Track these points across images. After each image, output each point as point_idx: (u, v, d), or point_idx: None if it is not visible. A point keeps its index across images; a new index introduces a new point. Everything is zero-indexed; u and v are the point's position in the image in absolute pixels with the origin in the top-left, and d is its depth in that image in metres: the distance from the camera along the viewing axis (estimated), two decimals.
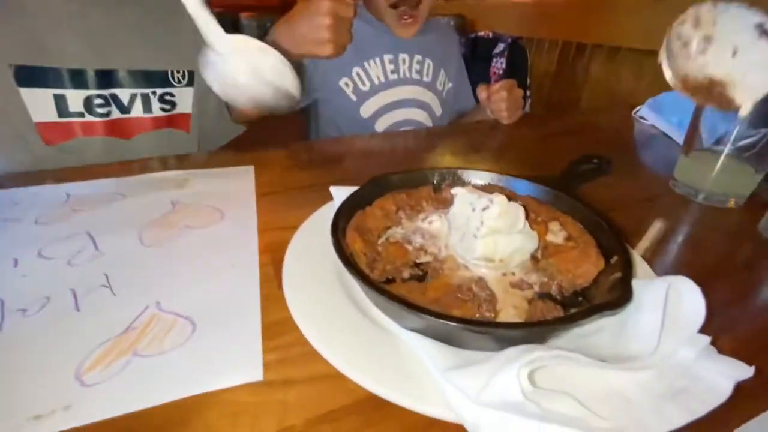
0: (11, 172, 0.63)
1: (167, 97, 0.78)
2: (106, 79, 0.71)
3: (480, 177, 0.51)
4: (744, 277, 0.50)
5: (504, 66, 1.51)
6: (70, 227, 0.49)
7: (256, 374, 0.33)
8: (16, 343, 0.35)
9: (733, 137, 0.60)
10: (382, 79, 1.05)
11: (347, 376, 0.31)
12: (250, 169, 0.65)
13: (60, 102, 0.68)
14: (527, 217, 0.41)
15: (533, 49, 1.76)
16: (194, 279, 0.42)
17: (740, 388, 0.27)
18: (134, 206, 0.54)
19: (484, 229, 0.36)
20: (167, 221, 0.51)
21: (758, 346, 0.38)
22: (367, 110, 1.05)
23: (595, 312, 0.30)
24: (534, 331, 0.30)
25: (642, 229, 0.56)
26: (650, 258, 0.48)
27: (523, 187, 0.49)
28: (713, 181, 0.63)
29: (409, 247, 0.42)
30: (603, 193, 0.58)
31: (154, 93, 0.77)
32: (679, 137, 0.88)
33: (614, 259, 0.37)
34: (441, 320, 0.29)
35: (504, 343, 0.29)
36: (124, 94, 0.74)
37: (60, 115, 0.68)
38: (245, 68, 0.36)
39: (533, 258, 0.41)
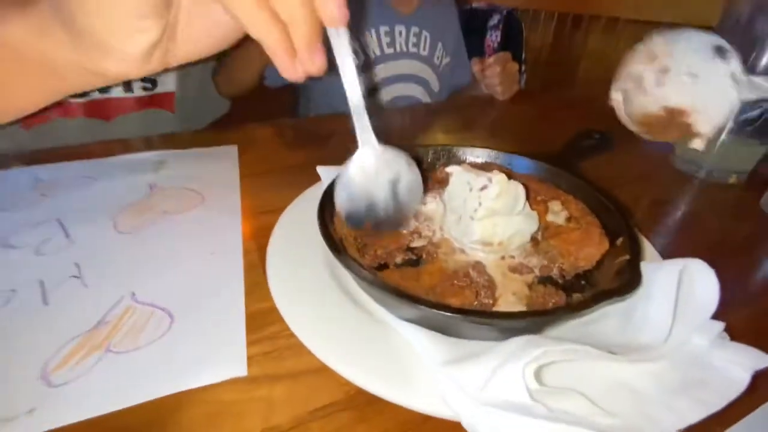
0: None
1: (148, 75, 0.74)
2: None
3: (476, 155, 0.49)
4: (747, 254, 0.48)
5: (499, 39, 1.45)
6: (39, 214, 0.46)
7: (240, 369, 0.31)
8: None
9: (736, 111, 0.58)
10: (377, 53, 1.00)
11: (336, 371, 0.29)
12: (233, 149, 0.61)
13: None
14: (527, 196, 0.38)
15: (529, 22, 1.70)
16: (172, 268, 0.40)
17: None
18: (108, 190, 0.50)
19: (482, 210, 0.34)
20: (143, 206, 0.48)
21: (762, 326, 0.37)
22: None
23: (602, 299, 0.27)
24: (537, 321, 0.28)
25: (642, 206, 0.54)
26: (651, 237, 0.46)
27: (521, 164, 0.47)
28: (715, 156, 0.61)
29: (402, 231, 0.39)
30: (602, 169, 0.56)
31: None
32: None
33: (620, 241, 0.34)
34: (437, 311, 0.26)
35: (505, 333, 0.27)
36: None
37: None
38: (383, 183, 0.33)
39: (533, 239, 0.39)
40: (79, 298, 0.36)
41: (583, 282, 0.36)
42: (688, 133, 0.27)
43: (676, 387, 0.25)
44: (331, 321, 0.32)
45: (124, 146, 0.60)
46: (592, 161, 0.55)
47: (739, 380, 0.25)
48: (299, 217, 0.42)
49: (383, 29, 0.99)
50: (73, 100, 0.68)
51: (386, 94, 1.03)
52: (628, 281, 0.28)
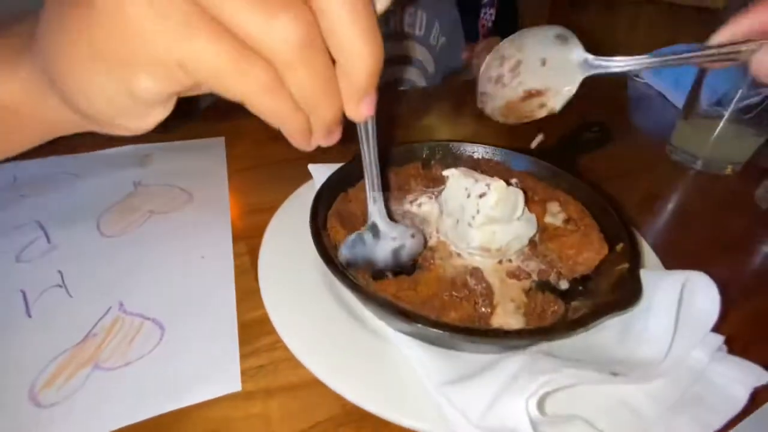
0: None
1: None
2: None
3: (473, 150, 0.47)
4: (740, 248, 0.48)
5: (493, 18, 1.41)
6: (18, 216, 0.44)
7: (234, 385, 0.30)
8: None
9: (737, 97, 0.57)
10: None
11: (331, 387, 0.28)
12: (220, 141, 0.59)
13: None
14: (525, 197, 0.37)
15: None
16: (161, 274, 0.38)
17: None
18: (91, 188, 0.48)
19: (480, 218, 0.33)
20: (129, 205, 0.46)
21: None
22: None
23: (601, 314, 0.27)
24: (536, 338, 0.27)
25: (637, 199, 0.54)
26: (646, 230, 0.46)
27: (519, 162, 0.45)
28: (712, 146, 0.61)
29: None
30: (598, 160, 0.55)
31: None
32: (675, 98, 0.84)
33: (620, 247, 0.34)
34: (437, 330, 0.26)
35: (504, 348, 0.27)
36: None
37: None
38: (386, 250, 0.34)
39: (531, 242, 0.38)
40: (64, 309, 0.35)
41: (581, 287, 0.35)
42: (543, 107, 0.32)
43: (676, 405, 0.25)
44: (325, 334, 0.31)
45: (109, 138, 0.57)
46: (589, 154, 0.54)
47: (739, 398, 0.25)
48: (291, 220, 0.41)
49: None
50: None
51: (381, 77, 1.00)
52: (628, 295, 0.28)
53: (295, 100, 0.20)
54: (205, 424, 0.28)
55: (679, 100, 0.82)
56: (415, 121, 0.74)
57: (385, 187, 0.43)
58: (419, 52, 1.02)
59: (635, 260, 0.31)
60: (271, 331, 0.33)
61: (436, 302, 0.30)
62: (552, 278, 0.36)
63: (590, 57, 0.29)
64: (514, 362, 0.24)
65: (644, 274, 0.30)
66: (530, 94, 0.31)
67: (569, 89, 0.30)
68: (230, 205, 0.47)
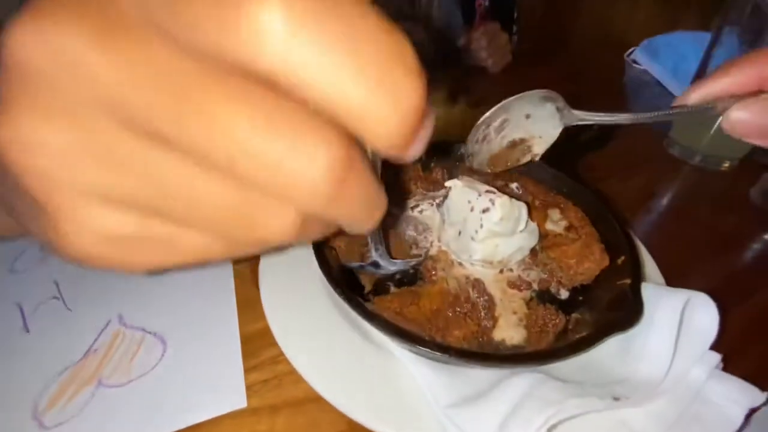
0: None
1: None
2: None
3: None
4: (734, 246, 0.49)
5: None
6: None
7: (239, 401, 0.30)
8: None
9: None
10: None
11: (334, 405, 0.29)
12: None
13: None
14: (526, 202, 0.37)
15: None
16: (160, 284, 0.38)
17: None
18: None
19: (483, 232, 0.33)
20: None
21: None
22: None
23: (603, 335, 0.27)
24: (538, 362, 0.28)
25: (634, 194, 0.54)
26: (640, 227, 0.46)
27: None
28: (711, 140, 0.61)
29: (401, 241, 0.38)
30: (595, 155, 0.55)
31: None
32: (673, 85, 0.83)
33: (621, 260, 0.34)
34: (440, 353, 0.26)
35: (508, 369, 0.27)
36: None
37: None
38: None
39: (532, 251, 0.38)
40: (63, 323, 0.34)
41: (581, 297, 0.36)
42: (528, 153, 0.35)
43: (675, 424, 0.25)
44: (328, 348, 0.31)
45: None
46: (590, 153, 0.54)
47: (734, 418, 0.26)
48: None
49: None
50: None
51: None
52: (629, 314, 0.28)
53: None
54: None
55: (676, 87, 0.82)
56: None
57: (386, 188, 0.42)
58: (418, 34, 1.00)
59: (636, 277, 0.31)
60: (274, 342, 0.33)
61: (440, 321, 0.31)
62: (552, 287, 0.36)
63: (573, 111, 0.31)
64: (518, 385, 0.25)
65: (645, 289, 0.30)
66: (515, 143, 0.33)
67: (552, 134, 0.32)
68: None
